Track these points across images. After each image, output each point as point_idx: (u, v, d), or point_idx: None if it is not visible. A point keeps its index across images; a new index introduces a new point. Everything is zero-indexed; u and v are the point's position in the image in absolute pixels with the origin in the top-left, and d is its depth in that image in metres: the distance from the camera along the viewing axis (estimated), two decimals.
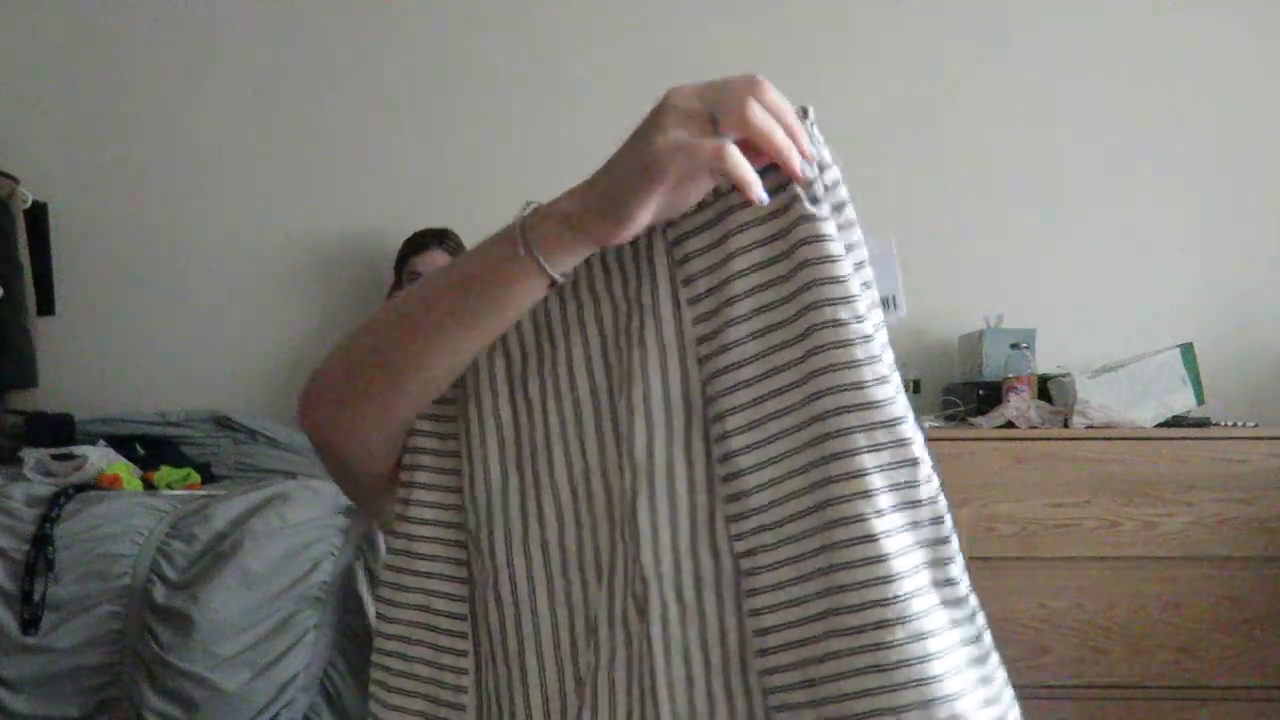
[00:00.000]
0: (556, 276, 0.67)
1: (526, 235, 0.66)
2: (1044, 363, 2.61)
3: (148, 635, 1.84)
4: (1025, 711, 2.41)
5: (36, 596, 1.86)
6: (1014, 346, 2.53)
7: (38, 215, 2.81)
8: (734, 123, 0.62)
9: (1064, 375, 2.51)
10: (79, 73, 2.95)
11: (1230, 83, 2.86)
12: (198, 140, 2.94)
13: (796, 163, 0.64)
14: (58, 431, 2.54)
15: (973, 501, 2.28)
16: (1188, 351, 2.48)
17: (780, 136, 0.63)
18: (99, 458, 2.30)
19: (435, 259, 2.59)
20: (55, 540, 1.91)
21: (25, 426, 2.59)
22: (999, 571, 2.28)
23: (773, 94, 0.63)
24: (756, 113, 0.62)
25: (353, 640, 1.99)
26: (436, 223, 2.67)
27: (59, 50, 2.96)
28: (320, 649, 1.95)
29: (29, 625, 1.85)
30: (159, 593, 1.86)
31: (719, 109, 0.62)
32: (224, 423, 2.64)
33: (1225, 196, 2.85)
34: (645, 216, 0.64)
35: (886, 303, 0.63)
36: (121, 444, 2.50)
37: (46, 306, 2.83)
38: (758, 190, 0.63)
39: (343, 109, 2.94)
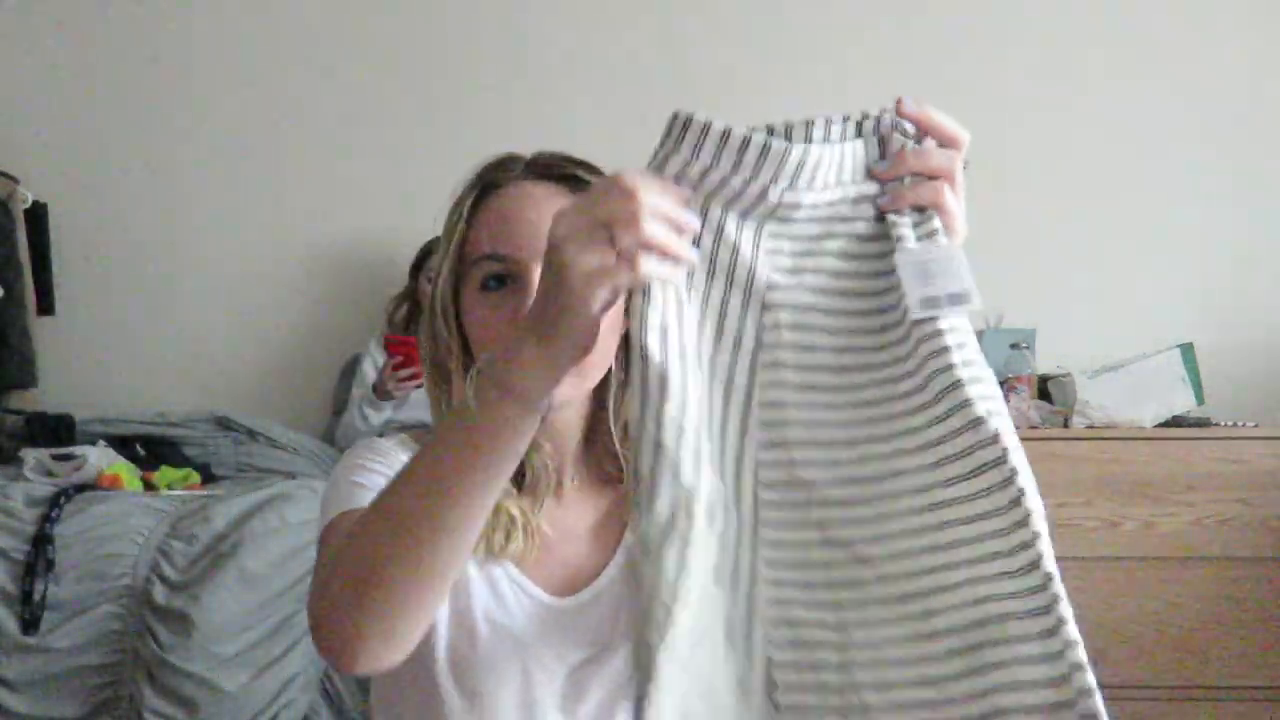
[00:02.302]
0: (543, 407, 0.69)
1: (511, 382, 0.68)
2: (1044, 363, 2.61)
3: (148, 635, 1.84)
4: None
5: (36, 596, 1.86)
6: (1014, 346, 2.53)
7: (38, 215, 2.82)
8: (632, 240, 0.63)
9: (1064, 375, 2.51)
10: (79, 73, 2.95)
11: (1231, 82, 2.86)
12: (198, 141, 2.94)
13: (686, 259, 0.66)
14: (58, 431, 2.54)
15: None
16: (1188, 351, 2.48)
17: (675, 246, 0.65)
18: (99, 458, 2.30)
19: None
20: (55, 540, 1.91)
21: (25, 426, 2.59)
22: None
23: (654, 194, 0.64)
24: (650, 229, 0.63)
25: None
26: (438, 228, 2.66)
27: (59, 51, 2.96)
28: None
29: (29, 625, 1.85)
30: (159, 593, 1.86)
31: (613, 226, 0.63)
32: (224, 423, 2.64)
33: (1225, 196, 2.85)
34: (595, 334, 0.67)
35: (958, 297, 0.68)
36: (121, 444, 2.50)
37: (46, 306, 2.83)
38: (686, 255, 0.66)
39: (344, 110, 2.94)
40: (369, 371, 2.61)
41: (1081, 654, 0.62)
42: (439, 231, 1.02)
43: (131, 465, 2.35)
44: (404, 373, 2.48)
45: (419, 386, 2.49)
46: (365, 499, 0.84)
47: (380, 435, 2.55)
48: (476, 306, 0.93)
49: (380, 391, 2.51)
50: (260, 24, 2.96)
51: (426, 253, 2.66)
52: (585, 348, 0.67)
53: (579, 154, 0.99)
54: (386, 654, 0.71)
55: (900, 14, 2.90)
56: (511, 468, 0.71)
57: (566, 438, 0.97)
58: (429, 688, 0.88)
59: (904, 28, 2.90)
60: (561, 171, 0.96)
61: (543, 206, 0.92)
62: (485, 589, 0.91)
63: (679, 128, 0.67)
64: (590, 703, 0.89)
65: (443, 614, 0.90)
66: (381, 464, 0.92)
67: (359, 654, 0.71)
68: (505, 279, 0.92)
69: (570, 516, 0.98)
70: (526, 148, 1.01)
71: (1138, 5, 2.88)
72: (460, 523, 0.70)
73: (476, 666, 0.88)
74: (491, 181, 0.96)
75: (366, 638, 0.70)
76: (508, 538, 0.91)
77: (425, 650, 0.88)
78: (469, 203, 0.96)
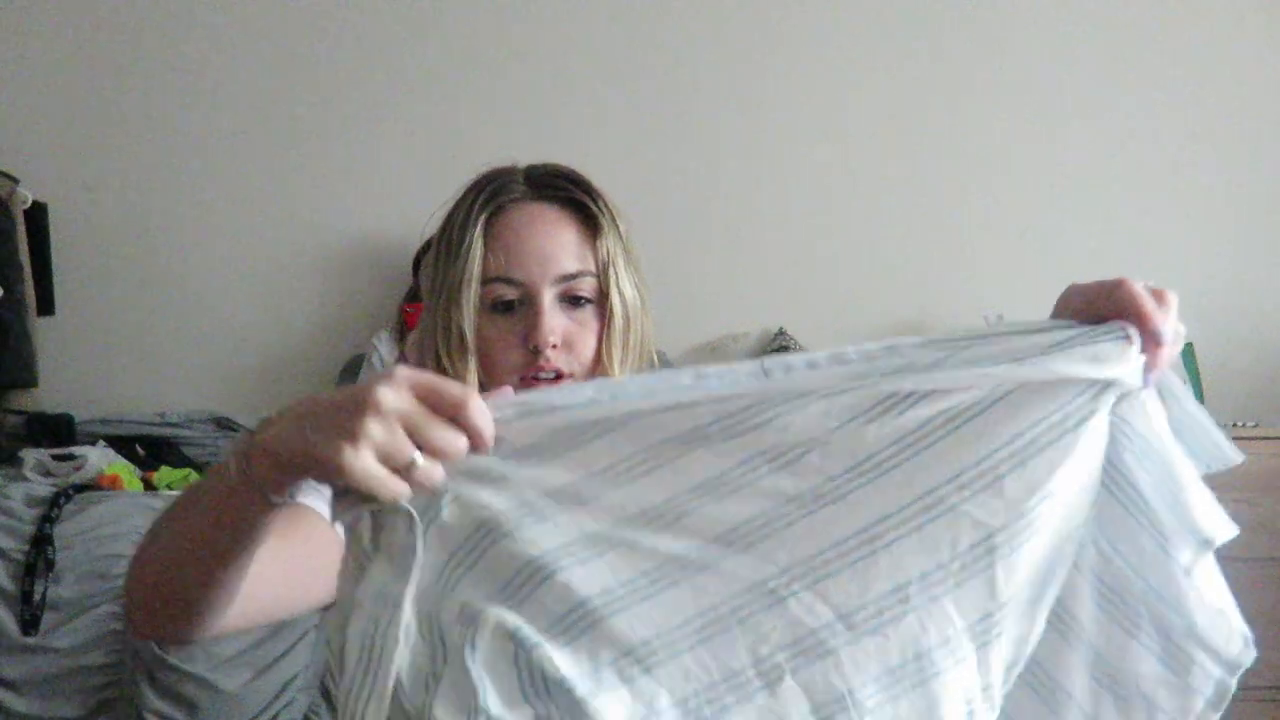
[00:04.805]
0: (277, 502, 0.64)
1: (248, 471, 0.63)
2: None
3: None
4: None
5: (36, 597, 1.86)
6: None
7: (38, 215, 2.81)
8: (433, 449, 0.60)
9: None
10: (79, 73, 2.95)
11: (1230, 82, 2.86)
12: (198, 140, 2.94)
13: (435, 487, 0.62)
14: (58, 431, 2.54)
15: None
16: (1188, 351, 2.48)
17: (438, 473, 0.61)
18: (99, 458, 2.30)
19: None
20: (55, 540, 1.91)
21: (25, 426, 2.59)
22: None
23: (477, 413, 0.60)
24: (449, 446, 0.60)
25: None
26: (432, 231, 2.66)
27: (59, 50, 2.95)
28: (320, 649, 1.95)
29: (29, 625, 1.85)
30: None
31: (425, 429, 0.59)
32: (224, 423, 2.64)
33: (1225, 197, 2.85)
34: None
35: None
36: (121, 444, 2.50)
37: (46, 306, 2.82)
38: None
39: (345, 110, 2.94)
40: (386, 356, 2.61)
41: None
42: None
43: (131, 465, 2.35)
44: None
45: None
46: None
47: None
48: (487, 326, 0.96)
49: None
50: (261, 23, 2.95)
51: (427, 249, 2.66)
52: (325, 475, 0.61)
53: (587, 156, 1.01)
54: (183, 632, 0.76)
55: (900, 15, 2.90)
56: (249, 544, 0.69)
57: None
58: None
59: (903, 29, 2.90)
60: (565, 195, 0.98)
61: (551, 230, 0.96)
62: None
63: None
64: None
65: None
66: None
67: (154, 635, 0.80)
68: (514, 301, 0.96)
69: None
70: (531, 148, 1.03)
71: (1136, 7, 2.89)
72: (208, 569, 0.71)
73: None
74: (497, 204, 0.99)
75: (160, 626, 0.78)
76: None
77: None
78: (482, 224, 0.98)
